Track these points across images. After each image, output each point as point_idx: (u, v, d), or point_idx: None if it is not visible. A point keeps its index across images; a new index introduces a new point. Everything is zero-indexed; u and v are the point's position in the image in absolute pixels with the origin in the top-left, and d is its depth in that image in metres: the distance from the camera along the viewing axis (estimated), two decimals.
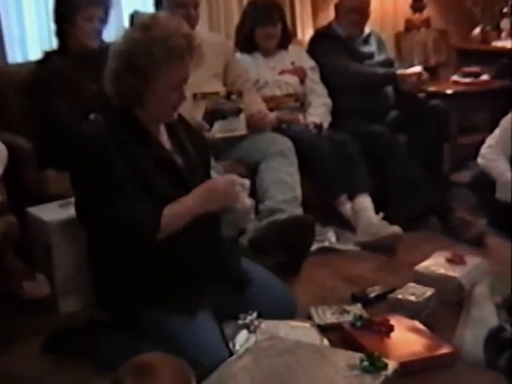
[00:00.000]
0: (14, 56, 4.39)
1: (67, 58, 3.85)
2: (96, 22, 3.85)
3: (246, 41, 4.51)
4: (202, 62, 2.73)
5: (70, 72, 3.78)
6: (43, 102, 3.79)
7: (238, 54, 4.49)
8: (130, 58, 2.62)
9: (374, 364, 2.39)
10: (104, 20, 3.92)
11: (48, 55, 3.93)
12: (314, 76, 4.61)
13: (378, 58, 4.82)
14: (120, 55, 2.65)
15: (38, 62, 3.93)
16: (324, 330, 2.91)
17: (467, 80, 5.35)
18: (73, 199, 3.09)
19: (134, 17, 4.02)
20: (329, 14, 5.21)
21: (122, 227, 2.57)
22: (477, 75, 5.38)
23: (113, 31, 4.57)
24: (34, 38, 4.01)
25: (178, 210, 2.63)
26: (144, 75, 2.62)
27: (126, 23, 4.41)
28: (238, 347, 2.68)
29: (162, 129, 2.82)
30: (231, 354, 2.62)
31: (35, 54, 4.05)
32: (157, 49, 2.58)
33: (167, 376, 2.07)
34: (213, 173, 3.17)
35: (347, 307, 3.12)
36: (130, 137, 2.65)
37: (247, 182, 2.81)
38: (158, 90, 2.65)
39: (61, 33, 3.88)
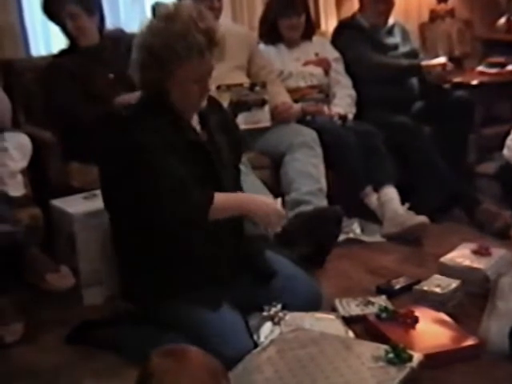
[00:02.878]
0: (38, 49, 4.42)
1: (76, 54, 3.89)
2: (79, 19, 3.86)
3: (270, 32, 4.49)
4: (224, 56, 2.71)
5: (77, 67, 3.83)
6: (47, 97, 3.84)
7: (262, 46, 4.48)
8: (151, 51, 2.62)
9: (399, 356, 2.39)
10: (91, 14, 3.93)
11: (62, 52, 3.97)
12: (338, 67, 4.59)
13: (403, 49, 4.79)
14: (142, 47, 2.65)
15: (52, 58, 3.98)
16: (349, 321, 2.90)
17: (492, 70, 5.32)
18: (97, 191, 3.11)
19: (155, 8, 4.03)
20: (352, 5, 5.20)
21: (177, 197, 2.57)
22: (502, 65, 5.34)
23: (136, 22, 4.61)
24: (57, 31, 4.02)
25: (228, 200, 2.70)
26: (165, 68, 2.62)
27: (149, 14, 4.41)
28: (262, 339, 2.68)
29: (195, 116, 2.81)
30: (256, 345, 2.62)
31: (59, 47, 4.07)
32: (177, 45, 2.57)
33: (195, 366, 2.06)
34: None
35: (372, 299, 3.11)
36: (163, 123, 2.65)
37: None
38: (180, 83, 2.65)
39: (66, 31, 3.91)
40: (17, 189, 3.29)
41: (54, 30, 4.06)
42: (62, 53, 3.98)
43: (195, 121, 2.80)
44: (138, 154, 2.57)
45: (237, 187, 2.93)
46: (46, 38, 4.45)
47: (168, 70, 2.62)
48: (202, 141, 2.75)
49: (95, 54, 3.89)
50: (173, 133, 2.65)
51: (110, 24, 4.23)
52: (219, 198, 2.63)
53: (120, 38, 4.05)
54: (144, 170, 2.57)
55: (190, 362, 2.05)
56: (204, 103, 2.75)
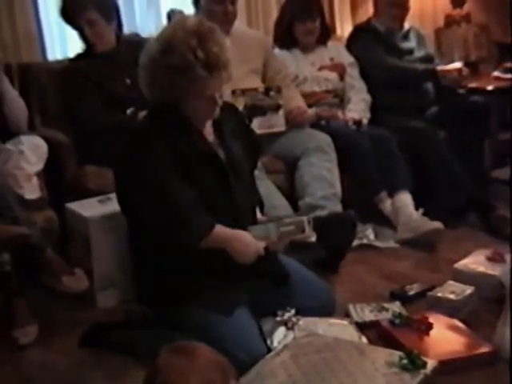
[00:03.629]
0: (54, 53, 4.44)
1: (93, 59, 3.91)
2: (98, 25, 3.88)
3: (285, 36, 4.50)
4: (231, 78, 2.72)
5: (95, 72, 3.85)
6: (69, 101, 3.86)
7: (277, 50, 4.49)
8: (154, 77, 2.64)
9: (413, 362, 2.38)
10: (109, 21, 3.95)
11: (78, 56, 3.98)
12: (353, 72, 4.59)
13: (418, 53, 4.79)
14: (147, 70, 2.67)
15: (69, 62, 4.00)
16: (362, 327, 2.89)
17: (508, 75, 5.28)
18: (112, 195, 3.12)
19: (170, 15, 4.05)
20: (368, 10, 5.20)
21: (172, 225, 2.61)
22: None
23: (152, 27, 4.63)
24: (73, 35, 4.03)
25: (223, 235, 2.67)
26: (171, 94, 2.64)
27: (165, 20, 4.44)
28: (275, 344, 2.68)
29: (208, 123, 2.81)
30: (269, 350, 2.62)
31: (75, 51, 4.09)
32: (177, 79, 2.58)
33: (203, 363, 2.06)
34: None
35: (386, 305, 3.10)
36: (173, 130, 2.66)
37: None
38: (187, 103, 2.66)
39: (83, 36, 3.92)
40: (32, 191, 3.31)
41: (71, 34, 4.07)
42: (78, 57, 4.00)
43: (208, 128, 2.80)
44: (147, 168, 2.60)
45: (251, 195, 2.94)
46: (62, 43, 4.47)
47: (173, 95, 2.64)
48: (213, 151, 2.75)
49: (111, 58, 3.90)
50: (184, 143, 2.66)
51: (125, 29, 4.23)
52: (215, 232, 2.65)
53: (136, 43, 4.05)
54: (150, 187, 2.60)
55: (198, 359, 2.07)
56: (217, 112, 2.75)
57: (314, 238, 2.97)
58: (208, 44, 2.57)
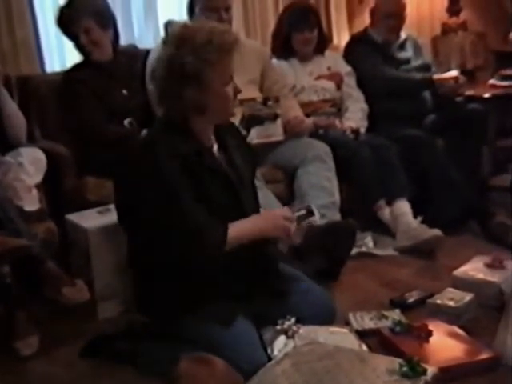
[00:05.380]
0: (52, 65, 4.45)
1: (91, 69, 3.91)
2: (93, 33, 3.88)
3: (283, 46, 4.51)
4: (244, 66, 2.78)
5: (93, 82, 3.86)
6: (68, 111, 3.87)
7: (275, 60, 4.50)
8: (181, 73, 2.62)
9: (414, 369, 2.38)
10: (105, 29, 3.95)
11: (76, 66, 3.99)
12: (350, 81, 4.61)
13: (415, 62, 4.80)
14: (169, 75, 2.66)
15: (66, 73, 4.00)
16: (362, 335, 2.89)
17: (505, 83, 5.30)
18: (111, 206, 3.13)
19: (167, 26, 4.06)
20: (364, 19, 5.21)
21: (190, 239, 2.59)
22: None
23: (150, 39, 4.63)
24: (71, 46, 4.04)
25: (240, 231, 2.67)
26: (200, 82, 2.63)
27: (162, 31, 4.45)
28: (276, 352, 2.67)
29: (212, 138, 2.82)
30: (269, 359, 2.61)
31: (73, 63, 4.10)
32: (206, 52, 2.60)
33: (221, 374, 2.10)
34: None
35: (386, 312, 3.10)
36: (182, 147, 2.65)
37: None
38: (216, 91, 2.67)
39: (79, 46, 3.93)
40: (32, 203, 3.31)
41: (69, 45, 4.08)
42: (76, 67, 4.00)
43: (212, 142, 2.81)
44: (158, 180, 2.59)
45: (256, 205, 2.95)
46: (60, 55, 4.48)
47: (203, 82, 2.63)
48: (220, 165, 2.77)
49: (108, 69, 3.91)
50: (193, 157, 2.65)
51: (123, 40, 4.24)
52: (232, 230, 2.63)
53: (133, 55, 4.08)
54: (162, 199, 2.59)
55: (216, 369, 2.11)
56: (232, 114, 2.79)
57: (318, 220, 3.02)
58: (218, 30, 2.67)
